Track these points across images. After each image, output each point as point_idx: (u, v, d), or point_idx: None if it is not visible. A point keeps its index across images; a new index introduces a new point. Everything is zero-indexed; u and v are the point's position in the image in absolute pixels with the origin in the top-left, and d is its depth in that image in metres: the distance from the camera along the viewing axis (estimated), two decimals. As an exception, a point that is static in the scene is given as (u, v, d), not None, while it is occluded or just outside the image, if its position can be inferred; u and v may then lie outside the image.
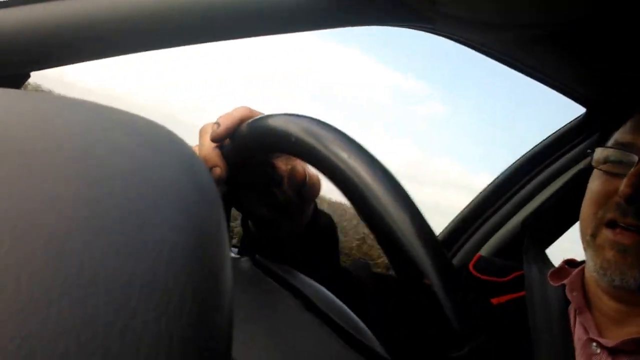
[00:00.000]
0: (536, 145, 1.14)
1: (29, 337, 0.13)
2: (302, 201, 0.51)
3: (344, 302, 0.63)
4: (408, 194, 0.30)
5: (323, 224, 0.58)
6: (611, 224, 0.63)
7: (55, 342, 0.13)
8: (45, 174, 0.16)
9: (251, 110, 0.45)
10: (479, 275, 0.77)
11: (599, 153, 0.69)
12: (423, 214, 0.30)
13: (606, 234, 0.64)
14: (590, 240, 0.66)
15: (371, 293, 0.67)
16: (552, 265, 0.79)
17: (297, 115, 0.34)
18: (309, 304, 0.41)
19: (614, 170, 0.66)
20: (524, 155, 1.16)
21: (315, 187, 0.50)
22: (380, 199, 0.29)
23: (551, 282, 0.73)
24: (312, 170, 0.49)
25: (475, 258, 0.82)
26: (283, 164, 0.49)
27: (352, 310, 0.62)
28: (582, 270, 0.72)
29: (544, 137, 1.14)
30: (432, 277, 0.28)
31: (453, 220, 1.22)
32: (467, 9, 0.72)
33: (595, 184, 0.68)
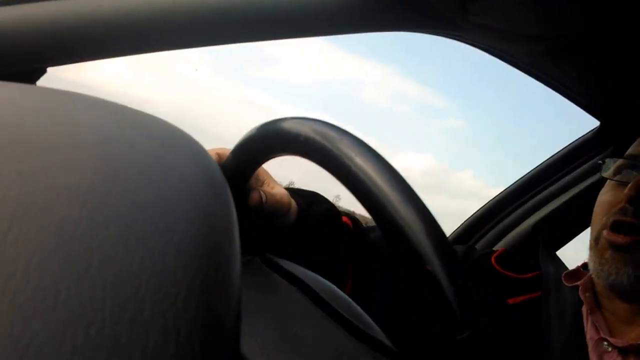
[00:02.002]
0: (550, 157, 1.14)
1: (39, 332, 0.13)
2: (268, 216, 0.52)
3: (353, 266, 0.63)
4: (411, 187, 0.30)
5: (315, 213, 0.59)
6: (611, 226, 0.66)
7: (64, 337, 0.13)
8: (56, 166, 0.16)
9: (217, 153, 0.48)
10: (499, 268, 0.79)
11: (611, 164, 0.72)
12: (425, 204, 0.30)
13: (604, 234, 0.67)
14: (593, 244, 0.70)
15: (384, 263, 0.68)
16: (565, 266, 0.81)
17: (307, 118, 0.35)
18: (315, 298, 0.41)
19: (623, 179, 0.69)
20: (538, 166, 1.15)
21: (278, 206, 0.51)
22: (384, 191, 0.29)
23: (565, 283, 0.75)
24: (274, 190, 0.51)
25: (499, 251, 0.83)
26: (253, 182, 0.51)
27: (357, 270, 0.62)
28: None
29: (558, 149, 1.14)
30: (434, 263, 0.29)
31: (464, 222, 1.23)
32: (499, 20, 0.71)
33: (604, 196, 0.71)
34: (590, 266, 0.70)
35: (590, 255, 0.70)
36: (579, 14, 0.68)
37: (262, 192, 0.50)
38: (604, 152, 1.07)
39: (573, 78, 0.88)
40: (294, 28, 0.64)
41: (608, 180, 0.72)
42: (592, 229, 0.72)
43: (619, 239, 0.65)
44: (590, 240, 0.71)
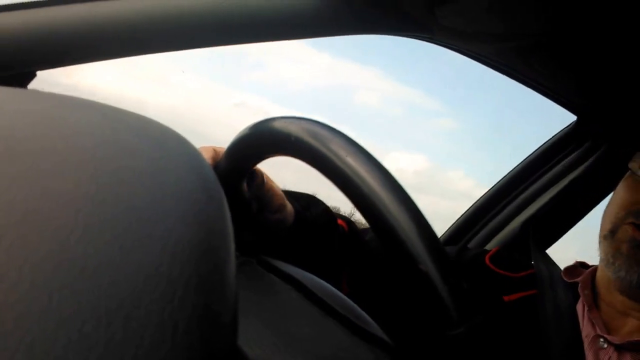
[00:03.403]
0: (530, 154, 1.15)
1: (31, 327, 0.13)
2: (270, 211, 0.53)
3: (348, 262, 0.62)
4: (402, 186, 0.30)
5: (312, 216, 0.60)
6: (632, 225, 0.66)
7: (56, 332, 0.13)
8: (51, 171, 0.16)
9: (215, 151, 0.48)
10: (494, 268, 0.79)
11: (638, 158, 0.70)
12: (416, 204, 0.30)
13: (626, 229, 0.66)
14: (608, 234, 0.68)
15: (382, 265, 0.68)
16: (556, 265, 0.81)
17: (297, 117, 0.35)
18: (310, 296, 0.41)
19: None
20: (519, 164, 1.16)
21: (273, 193, 0.52)
22: (375, 191, 0.29)
23: (565, 278, 0.75)
24: (273, 184, 0.52)
25: (493, 250, 0.83)
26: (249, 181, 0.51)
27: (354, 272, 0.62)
28: (593, 271, 0.75)
29: (538, 146, 1.15)
30: (427, 263, 0.29)
31: (454, 223, 1.23)
32: (464, 20, 0.72)
33: (623, 190, 0.70)
34: (602, 256, 0.69)
35: (604, 246, 0.69)
36: (542, 13, 0.69)
37: (264, 175, 0.50)
38: (581, 147, 1.08)
39: (546, 76, 0.89)
40: (268, 31, 0.64)
41: (629, 173, 0.71)
42: (606, 220, 0.70)
43: None
44: (603, 231, 0.70)
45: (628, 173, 0.71)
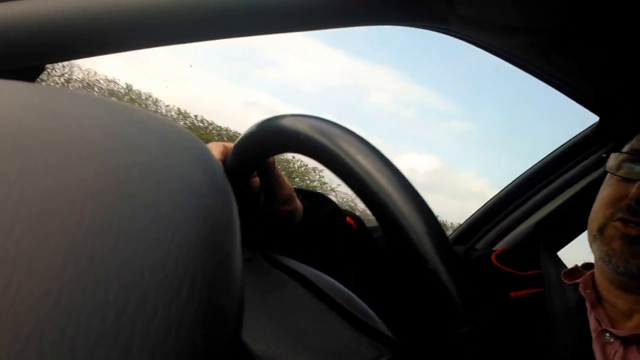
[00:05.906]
0: (550, 154, 1.14)
1: (40, 322, 0.13)
2: (278, 201, 0.53)
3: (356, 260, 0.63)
4: (412, 184, 0.30)
5: (321, 214, 0.60)
6: (620, 221, 0.68)
7: (65, 326, 0.13)
8: (58, 166, 0.16)
9: (224, 146, 0.48)
10: (499, 265, 0.81)
11: (613, 159, 0.73)
12: (426, 203, 0.30)
13: (615, 225, 0.68)
14: (597, 234, 0.71)
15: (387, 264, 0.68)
16: (565, 265, 0.82)
17: (304, 115, 0.35)
18: (316, 292, 0.42)
19: (627, 175, 0.70)
20: (537, 163, 1.15)
21: (282, 182, 0.52)
22: (385, 190, 0.29)
23: (565, 280, 0.77)
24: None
25: (499, 250, 0.85)
26: (255, 180, 0.51)
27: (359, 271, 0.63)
28: (594, 272, 0.76)
29: (558, 145, 1.14)
30: (436, 261, 0.29)
31: (464, 222, 1.23)
32: (483, 11, 0.71)
33: (607, 190, 0.72)
34: (597, 256, 0.71)
35: (596, 245, 0.71)
36: (564, 6, 0.68)
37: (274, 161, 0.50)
38: (604, 148, 1.07)
39: (568, 73, 0.88)
40: (279, 23, 0.64)
41: (609, 175, 0.73)
42: (593, 222, 0.73)
43: (632, 231, 0.67)
44: (591, 233, 0.72)
45: (608, 175, 0.74)
